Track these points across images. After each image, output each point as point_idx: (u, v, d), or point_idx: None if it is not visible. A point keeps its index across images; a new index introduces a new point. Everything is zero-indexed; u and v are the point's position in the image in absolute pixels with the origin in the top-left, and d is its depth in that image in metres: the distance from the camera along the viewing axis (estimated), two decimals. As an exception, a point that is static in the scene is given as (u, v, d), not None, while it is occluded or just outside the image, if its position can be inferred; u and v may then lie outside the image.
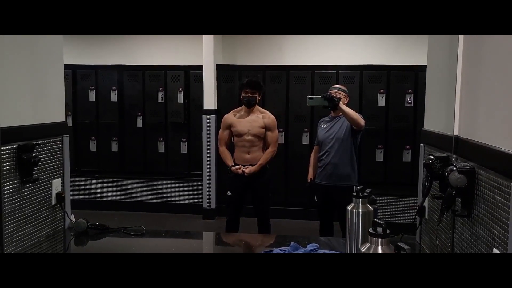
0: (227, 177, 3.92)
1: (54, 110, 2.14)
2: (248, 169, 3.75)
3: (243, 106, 3.89)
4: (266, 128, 3.86)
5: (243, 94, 3.81)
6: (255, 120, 3.83)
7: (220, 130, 3.97)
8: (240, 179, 3.78)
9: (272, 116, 3.91)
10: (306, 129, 5.44)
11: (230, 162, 3.85)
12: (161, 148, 5.88)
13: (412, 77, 5.21)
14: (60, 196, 2.13)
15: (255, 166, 3.78)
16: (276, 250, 1.85)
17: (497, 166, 1.28)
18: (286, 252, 1.83)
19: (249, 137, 3.80)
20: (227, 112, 4.00)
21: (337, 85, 3.82)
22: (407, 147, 5.23)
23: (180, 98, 5.76)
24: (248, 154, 3.82)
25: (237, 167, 3.79)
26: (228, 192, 3.85)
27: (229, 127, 3.88)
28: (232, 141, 3.95)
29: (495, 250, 1.27)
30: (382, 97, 5.27)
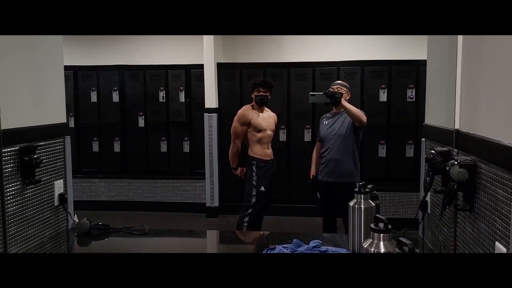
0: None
1: (55, 111, 2.15)
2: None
3: (253, 105, 3.99)
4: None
5: (255, 93, 3.93)
6: (269, 116, 4.06)
7: (237, 125, 3.94)
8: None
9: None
10: (308, 126, 5.43)
11: (235, 163, 4.01)
12: (163, 148, 5.88)
13: (413, 72, 5.19)
14: (62, 197, 2.13)
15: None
16: (279, 247, 1.85)
17: (498, 160, 1.27)
18: (289, 248, 1.83)
19: (269, 132, 3.99)
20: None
21: (339, 81, 3.82)
22: (409, 142, 5.21)
23: (181, 97, 5.77)
24: (268, 149, 4.01)
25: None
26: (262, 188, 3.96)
27: (248, 123, 3.92)
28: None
29: (497, 244, 1.26)
30: (383, 93, 5.26)
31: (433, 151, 1.66)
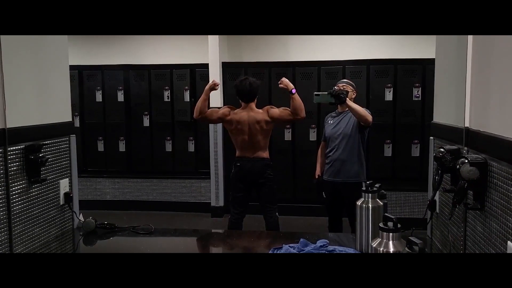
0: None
1: (60, 110, 2.14)
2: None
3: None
4: None
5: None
6: None
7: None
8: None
9: None
10: (313, 125, 5.41)
11: None
12: (168, 147, 5.88)
13: (419, 71, 5.15)
14: (68, 196, 2.13)
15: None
16: (286, 247, 1.83)
17: (510, 157, 1.25)
18: (296, 248, 1.82)
19: None
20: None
21: (345, 79, 3.79)
22: (416, 141, 5.18)
23: (186, 96, 5.76)
24: None
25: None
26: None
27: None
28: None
29: (509, 243, 1.24)
30: (389, 92, 5.22)
31: (442, 150, 1.64)
